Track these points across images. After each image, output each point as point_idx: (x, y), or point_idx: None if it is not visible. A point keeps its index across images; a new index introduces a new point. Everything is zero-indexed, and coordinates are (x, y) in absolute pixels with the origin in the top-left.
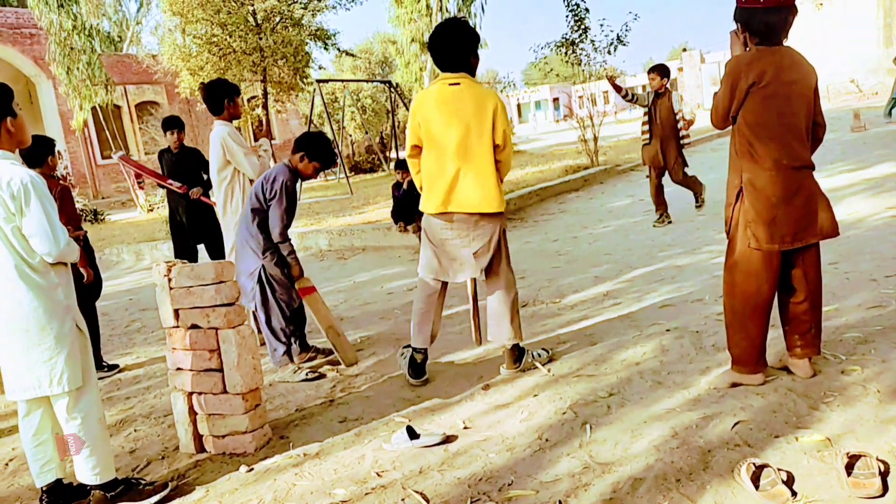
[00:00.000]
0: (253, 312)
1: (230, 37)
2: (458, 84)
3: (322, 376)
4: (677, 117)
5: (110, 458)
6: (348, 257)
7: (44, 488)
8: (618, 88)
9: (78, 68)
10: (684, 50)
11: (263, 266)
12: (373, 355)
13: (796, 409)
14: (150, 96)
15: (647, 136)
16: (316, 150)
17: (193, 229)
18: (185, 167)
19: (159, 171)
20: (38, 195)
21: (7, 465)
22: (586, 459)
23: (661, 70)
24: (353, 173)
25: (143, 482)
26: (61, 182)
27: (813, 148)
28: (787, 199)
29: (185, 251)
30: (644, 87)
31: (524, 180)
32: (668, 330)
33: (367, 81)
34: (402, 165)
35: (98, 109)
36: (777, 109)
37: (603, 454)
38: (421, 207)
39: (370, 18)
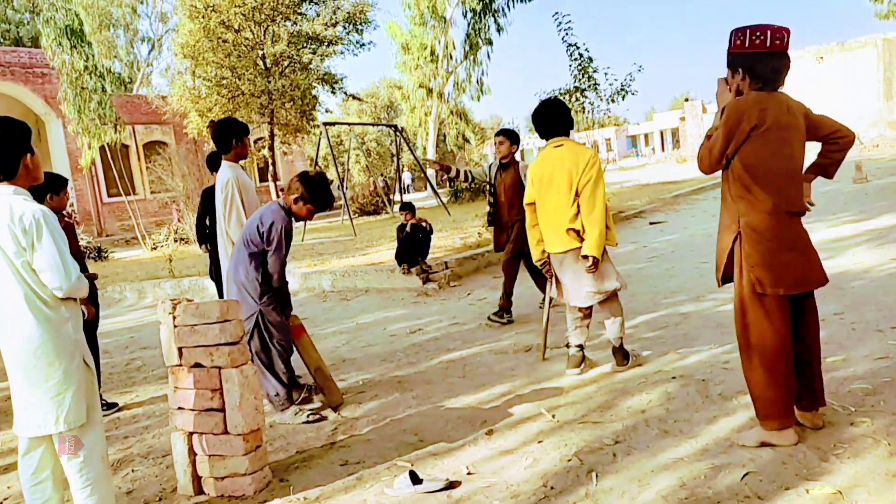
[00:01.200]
0: None
1: (239, 80)
2: (562, 146)
3: (323, 418)
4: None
5: (111, 498)
6: (351, 298)
7: None
8: (447, 169)
9: (89, 108)
10: (686, 100)
11: (261, 311)
12: (375, 398)
13: (806, 460)
14: (158, 136)
15: (492, 218)
16: (312, 193)
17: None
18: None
19: (200, 210)
20: (50, 230)
21: (2, 502)
22: None
23: (510, 135)
24: (356, 215)
25: None
26: (66, 219)
27: (841, 154)
28: (788, 244)
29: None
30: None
31: None
32: (673, 378)
33: (373, 125)
34: (406, 207)
35: (106, 148)
36: (776, 153)
37: (610, 503)
38: (547, 249)
39: (377, 64)
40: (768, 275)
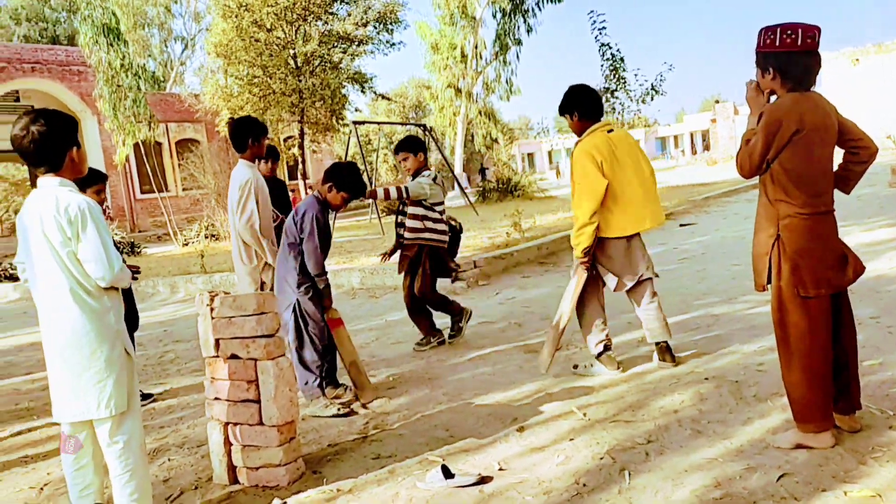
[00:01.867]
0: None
1: (270, 78)
2: (613, 129)
3: (353, 413)
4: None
5: (148, 485)
6: (380, 296)
7: None
8: (373, 195)
9: (124, 105)
10: (717, 101)
11: (298, 300)
12: (405, 394)
13: (843, 463)
14: (191, 134)
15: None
16: (343, 180)
17: None
18: (274, 196)
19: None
20: (95, 221)
21: (42, 489)
22: None
23: (410, 147)
24: (384, 214)
25: None
26: None
27: (861, 168)
28: (826, 244)
29: None
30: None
31: (556, 225)
32: (706, 378)
33: (401, 124)
34: None
35: (140, 145)
36: (814, 155)
37: (643, 502)
38: (608, 234)
39: (406, 63)
40: (811, 276)
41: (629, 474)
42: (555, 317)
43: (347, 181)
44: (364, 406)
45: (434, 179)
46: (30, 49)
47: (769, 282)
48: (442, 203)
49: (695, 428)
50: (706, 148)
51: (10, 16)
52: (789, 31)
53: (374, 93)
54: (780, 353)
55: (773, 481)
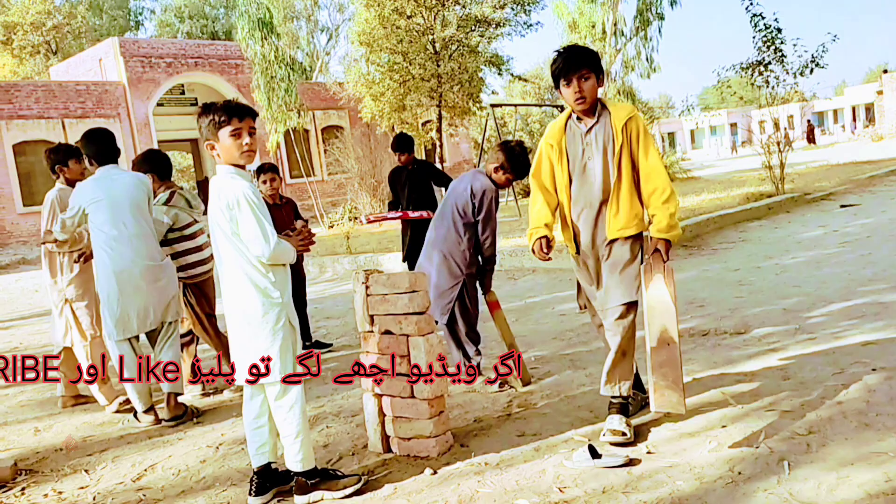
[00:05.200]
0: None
1: (410, 64)
2: None
3: (510, 387)
4: None
5: (311, 448)
6: (518, 278)
7: (256, 469)
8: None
9: (277, 96)
10: (885, 71)
11: (465, 281)
12: (548, 374)
13: None
14: (335, 121)
15: None
16: (512, 163)
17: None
18: (420, 180)
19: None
20: (249, 204)
21: (218, 448)
22: (787, 497)
23: (145, 162)
24: (521, 196)
25: (340, 473)
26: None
27: None
28: None
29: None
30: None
31: (701, 207)
32: (873, 370)
33: (538, 106)
34: None
35: (290, 133)
36: None
37: (805, 494)
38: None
39: (542, 44)
40: None
41: (788, 465)
42: (652, 341)
43: (516, 163)
44: (525, 384)
45: (167, 202)
46: (193, 45)
47: None
48: (192, 222)
49: (861, 421)
50: (870, 122)
51: (175, 14)
52: None
53: (511, 75)
54: None
55: None
